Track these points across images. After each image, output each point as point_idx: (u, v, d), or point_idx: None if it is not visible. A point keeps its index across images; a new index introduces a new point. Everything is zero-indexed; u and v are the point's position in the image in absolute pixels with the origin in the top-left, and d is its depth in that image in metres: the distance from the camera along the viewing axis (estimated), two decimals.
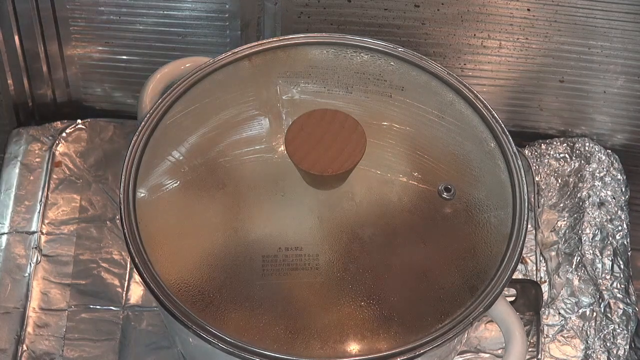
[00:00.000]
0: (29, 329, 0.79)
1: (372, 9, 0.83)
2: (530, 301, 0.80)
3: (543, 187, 0.88)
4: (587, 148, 0.90)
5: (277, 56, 0.74)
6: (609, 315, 0.81)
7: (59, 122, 0.90)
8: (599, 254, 0.84)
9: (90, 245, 0.83)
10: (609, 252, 0.84)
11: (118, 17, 0.86)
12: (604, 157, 0.89)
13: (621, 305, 0.82)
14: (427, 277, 0.66)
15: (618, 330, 0.81)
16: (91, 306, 0.81)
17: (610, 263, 0.84)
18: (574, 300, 0.82)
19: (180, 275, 0.66)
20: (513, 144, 0.71)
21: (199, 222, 0.67)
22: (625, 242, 0.85)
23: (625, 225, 0.86)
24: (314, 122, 0.67)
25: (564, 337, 0.81)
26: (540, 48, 0.85)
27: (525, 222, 0.68)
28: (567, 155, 0.90)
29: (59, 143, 0.89)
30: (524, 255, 0.84)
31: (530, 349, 0.80)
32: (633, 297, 0.82)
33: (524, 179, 0.69)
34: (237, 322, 0.64)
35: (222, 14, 0.85)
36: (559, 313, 0.82)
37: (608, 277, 0.83)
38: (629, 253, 0.85)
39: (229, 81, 0.73)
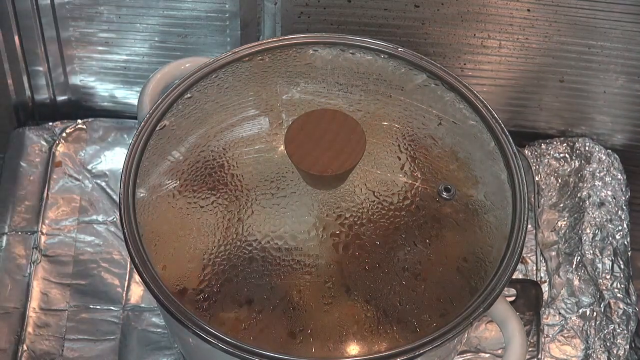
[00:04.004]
0: (29, 329, 0.79)
1: (372, 9, 0.83)
2: (530, 301, 0.80)
3: (543, 187, 0.88)
4: (587, 148, 0.90)
5: (277, 56, 0.74)
6: (609, 315, 0.81)
7: (59, 122, 0.90)
8: (599, 254, 0.84)
9: (90, 245, 0.83)
10: (609, 252, 0.84)
11: (118, 17, 0.86)
12: (604, 157, 0.89)
13: (621, 305, 0.82)
14: (426, 277, 0.66)
15: (618, 330, 0.81)
16: (91, 306, 0.81)
17: (611, 263, 0.84)
18: (574, 300, 0.82)
19: (180, 275, 0.66)
20: (513, 144, 0.71)
21: (199, 222, 0.67)
22: (625, 242, 0.85)
23: (625, 225, 0.86)
24: (314, 122, 0.67)
25: (564, 337, 0.81)
26: (540, 48, 0.85)
27: (525, 222, 0.68)
28: (567, 155, 0.90)
29: (59, 143, 0.89)
30: (524, 255, 0.84)
31: (530, 349, 0.80)
32: (633, 297, 0.82)
33: (524, 179, 0.69)
34: (237, 322, 0.64)
35: (222, 14, 0.85)
36: (559, 313, 0.82)
37: (608, 277, 0.83)
38: (629, 253, 0.85)
39: (229, 81, 0.73)
